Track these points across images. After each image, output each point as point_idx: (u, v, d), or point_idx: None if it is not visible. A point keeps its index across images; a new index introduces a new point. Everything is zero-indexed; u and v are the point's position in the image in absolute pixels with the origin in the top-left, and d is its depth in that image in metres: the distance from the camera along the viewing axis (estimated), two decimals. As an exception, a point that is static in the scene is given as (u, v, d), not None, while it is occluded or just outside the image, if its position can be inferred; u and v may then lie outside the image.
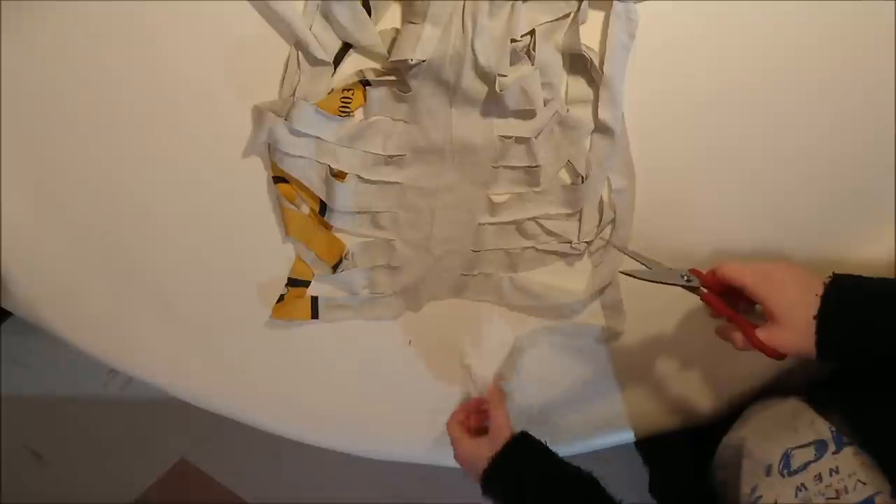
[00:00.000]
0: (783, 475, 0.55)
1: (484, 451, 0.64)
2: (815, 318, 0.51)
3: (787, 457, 0.56)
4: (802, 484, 0.53)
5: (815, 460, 0.54)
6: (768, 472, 0.57)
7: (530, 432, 0.65)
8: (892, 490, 0.47)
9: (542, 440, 0.65)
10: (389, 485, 1.46)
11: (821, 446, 0.54)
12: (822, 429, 0.55)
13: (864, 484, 0.49)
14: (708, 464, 0.68)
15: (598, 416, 0.76)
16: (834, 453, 0.53)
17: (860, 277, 0.54)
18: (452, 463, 0.79)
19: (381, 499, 1.47)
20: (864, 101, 0.65)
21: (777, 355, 0.54)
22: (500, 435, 0.64)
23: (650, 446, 0.77)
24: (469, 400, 0.73)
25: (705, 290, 0.59)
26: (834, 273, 0.54)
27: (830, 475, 0.52)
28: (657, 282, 0.60)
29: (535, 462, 0.63)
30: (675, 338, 0.74)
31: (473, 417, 0.71)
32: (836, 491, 0.50)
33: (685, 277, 0.60)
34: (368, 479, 1.45)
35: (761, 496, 0.55)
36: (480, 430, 0.69)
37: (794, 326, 0.53)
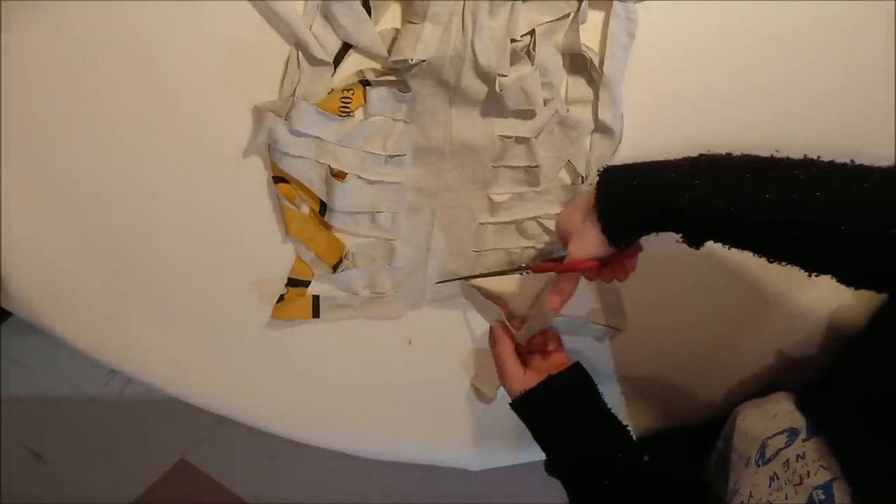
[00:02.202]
0: (758, 465, 0.56)
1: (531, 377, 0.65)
2: (594, 206, 0.54)
3: (763, 447, 0.57)
4: (775, 473, 0.54)
5: (786, 447, 0.55)
6: (747, 463, 0.58)
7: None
8: (846, 477, 0.48)
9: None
10: (389, 485, 1.47)
11: (792, 433, 0.55)
12: (798, 418, 0.56)
13: (825, 469, 0.50)
14: (706, 462, 0.68)
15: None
16: (804, 440, 0.54)
17: (628, 164, 0.56)
18: (452, 463, 0.79)
19: (381, 499, 1.47)
20: (864, 102, 0.65)
21: (586, 265, 0.57)
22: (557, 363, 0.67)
23: (649, 445, 0.77)
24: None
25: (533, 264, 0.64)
26: (605, 165, 0.56)
27: (797, 460, 0.52)
28: (488, 275, 0.67)
29: (577, 399, 0.65)
30: (674, 337, 0.74)
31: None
32: (800, 476, 0.51)
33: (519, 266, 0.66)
34: (368, 479, 1.45)
35: (739, 489, 0.56)
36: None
37: (583, 228, 0.55)
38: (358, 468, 1.43)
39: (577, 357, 0.70)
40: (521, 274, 0.66)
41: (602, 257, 0.56)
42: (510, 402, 0.66)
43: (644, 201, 0.52)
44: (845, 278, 0.49)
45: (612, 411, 0.65)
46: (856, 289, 0.50)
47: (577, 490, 0.63)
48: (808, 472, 0.51)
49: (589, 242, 0.55)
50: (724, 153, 0.52)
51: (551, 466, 0.65)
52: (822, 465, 0.50)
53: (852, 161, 0.48)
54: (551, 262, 0.63)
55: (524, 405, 0.65)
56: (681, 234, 0.53)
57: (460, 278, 0.69)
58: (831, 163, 0.49)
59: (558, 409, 0.64)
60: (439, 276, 0.71)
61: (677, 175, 0.51)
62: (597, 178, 0.55)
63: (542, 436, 0.65)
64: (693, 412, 0.75)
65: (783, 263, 0.51)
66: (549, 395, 0.64)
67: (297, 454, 1.45)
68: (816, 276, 0.50)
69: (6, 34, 0.58)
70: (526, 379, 0.65)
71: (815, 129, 0.67)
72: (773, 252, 0.51)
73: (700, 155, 0.53)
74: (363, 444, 0.78)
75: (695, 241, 0.53)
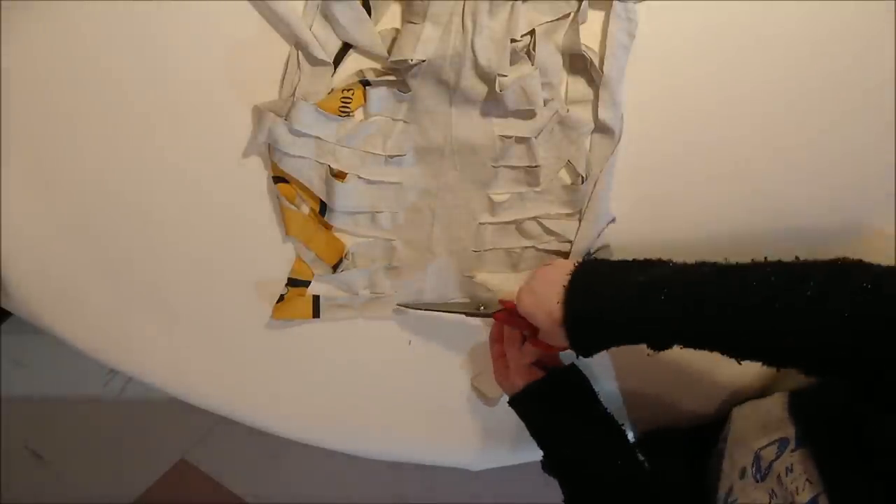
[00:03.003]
0: (756, 479, 0.56)
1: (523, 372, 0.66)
2: (560, 323, 0.55)
3: (757, 459, 0.57)
4: (773, 490, 0.54)
5: (777, 458, 0.55)
6: (742, 474, 0.58)
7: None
8: (827, 493, 0.48)
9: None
10: (389, 485, 1.47)
11: (783, 444, 0.55)
12: (788, 426, 0.56)
13: (811, 483, 0.50)
14: (706, 463, 0.68)
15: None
16: (792, 451, 0.53)
17: (601, 260, 0.58)
18: (452, 463, 0.79)
19: (381, 499, 1.47)
20: (864, 102, 0.65)
21: (557, 350, 0.60)
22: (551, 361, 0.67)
23: (649, 445, 0.77)
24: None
25: (496, 311, 0.66)
26: (579, 260, 0.58)
27: (787, 474, 0.53)
28: (446, 311, 0.69)
29: (569, 398, 0.65)
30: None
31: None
32: (791, 493, 0.51)
33: (481, 308, 0.68)
34: (368, 479, 1.45)
35: (736, 499, 0.56)
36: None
37: (554, 331, 0.56)
38: (358, 468, 1.43)
39: (574, 357, 0.70)
40: (481, 317, 0.69)
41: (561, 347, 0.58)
42: (508, 398, 0.66)
43: (610, 327, 0.54)
44: (811, 371, 0.49)
45: (609, 411, 0.65)
46: (822, 378, 0.51)
47: (573, 489, 0.63)
48: (797, 487, 0.51)
49: (562, 339, 0.56)
50: (692, 264, 0.53)
51: (548, 465, 0.65)
52: (808, 480, 0.50)
53: (797, 258, 0.49)
54: (516, 321, 0.63)
55: (523, 402, 0.65)
56: (647, 345, 0.54)
57: (422, 308, 0.71)
58: (780, 264, 0.50)
59: (556, 407, 0.64)
60: (439, 275, 0.71)
61: (642, 299, 0.52)
62: (564, 292, 0.55)
63: (539, 434, 0.65)
64: (693, 412, 0.75)
65: (752, 361, 0.51)
66: (547, 393, 0.64)
67: (297, 454, 1.45)
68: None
69: (6, 34, 0.58)
70: (524, 377, 0.65)
71: (815, 129, 0.67)
72: (738, 353, 0.51)
73: (666, 266, 0.54)
74: (363, 444, 0.78)
75: (658, 350, 0.54)
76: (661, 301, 0.51)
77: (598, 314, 0.54)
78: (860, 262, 0.47)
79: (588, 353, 0.57)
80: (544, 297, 0.57)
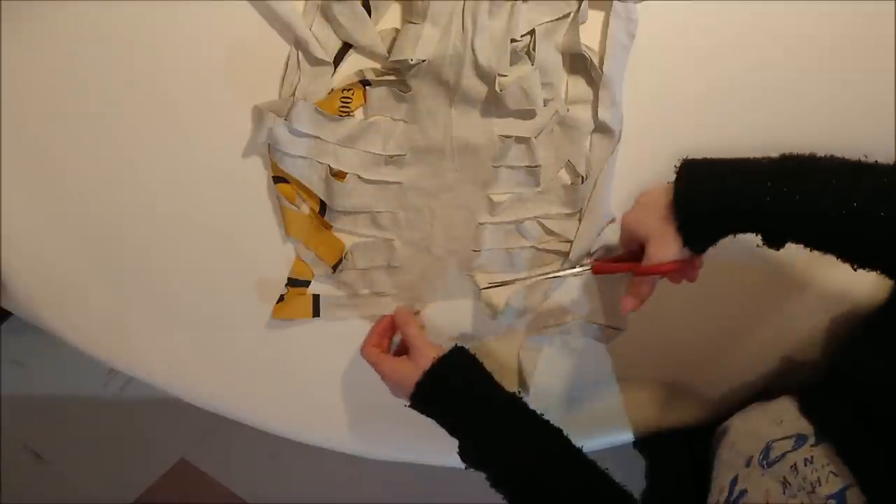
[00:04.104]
0: (762, 467, 0.55)
1: (408, 369, 0.63)
2: (669, 207, 0.53)
3: (767, 449, 0.56)
4: (785, 478, 0.53)
5: (793, 450, 0.54)
6: (748, 463, 0.57)
7: None
8: (860, 484, 0.48)
9: None
10: (389, 485, 1.47)
11: (800, 439, 0.55)
12: (804, 424, 0.56)
13: (836, 476, 0.49)
14: (706, 464, 0.68)
15: (597, 416, 0.76)
16: (812, 446, 0.53)
17: (708, 158, 0.54)
18: (452, 463, 0.79)
19: (381, 499, 1.47)
20: (864, 102, 0.65)
21: (666, 268, 0.55)
22: (422, 353, 0.63)
23: (649, 446, 0.77)
24: (378, 322, 0.71)
25: (594, 265, 0.62)
26: (683, 159, 0.54)
27: (805, 465, 0.52)
28: (541, 277, 0.65)
29: (466, 379, 0.63)
30: (674, 338, 0.74)
31: (385, 340, 0.70)
32: (811, 483, 0.50)
33: (575, 267, 0.65)
34: (368, 479, 1.45)
35: (745, 489, 0.55)
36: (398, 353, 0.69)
37: (662, 231, 0.54)
38: (358, 468, 1.43)
39: (577, 357, 0.70)
40: (579, 275, 0.65)
41: (684, 259, 0.55)
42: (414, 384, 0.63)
43: (724, 202, 0.51)
44: None
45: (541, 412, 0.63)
46: None
47: (494, 476, 0.61)
48: (819, 478, 0.50)
49: (671, 244, 0.54)
50: (808, 154, 0.51)
51: (463, 453, 0.63)
52: (832, 472, 0.50)
53: None
54: (617, 264, 0.61)
55: (425, 390, 0.63)
56: (760, 236, 0.52)
57: (508, 282, 0.68)
58: None
59: (456, 390, 0.62)
60: (440, 276, 0.71)
61: (759, 175, 0.50)
62: (675, 175, 0.53)
63: (455, 414, 0.63)
64: (693, 413, 0.75)
65: (867, 269, 0.50)
66: (445, 376, 0.62)
67: (297, 454, 1.44)
68: None
69: (6, 34, 0.58)
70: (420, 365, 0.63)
71: (815, 129, 0.67)
72: (858, 258, 0.50)
73: (782, 156, 0.52)
74: (363, 444, 0.78)
75: (774, 242, 0.52)
76: (779, 185, 0.49)
77: (715, 197, 0.51)
78: None
79: (701, 247, 0.54)
80: (651, 205, 0.55)
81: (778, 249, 0.52)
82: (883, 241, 0.47)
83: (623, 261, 0.61)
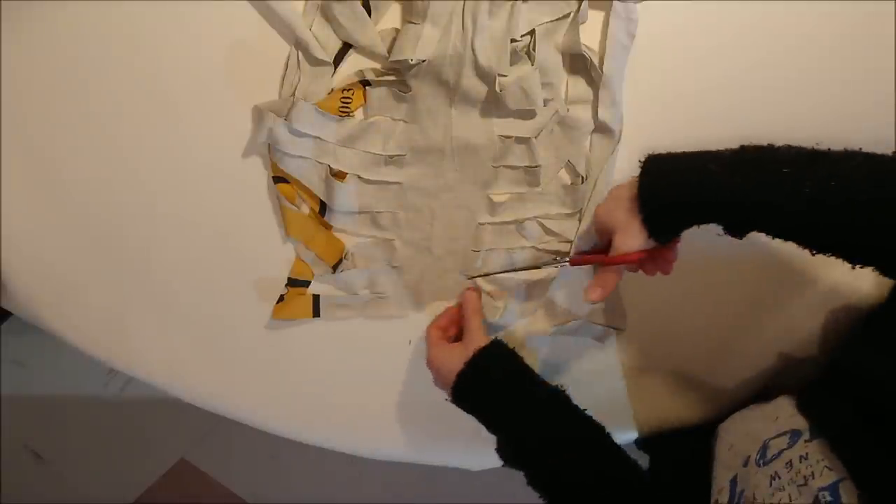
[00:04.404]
0: (759, 465, 0.55)
1: (456, 358, 0.63)
2: (634, 200, 0.54)
3: (764, 447, 0.56)
4: (776, 472, 0.54)
5: (788, 447, 0.54)
6: (746, 462, 0.57)
7: None
8: (853, 478, 0.48)
9: None
10: (389, 485, 1.47)
11: (795, 435, 0.55)
12: (800, 420, 0.56)
13: (831, 470, 0.50)
14: (708, 463, 0.68)
15: (599, 415, 0.76)
16: (807, 441, 0.53)
17: (672, 153, 0.56)
18: (452, 463, 0.79)
19: (381, 499, 1.47)
20: (864, 102, 0.65)
21: (631, 258, 0.56)
22: (472, 342, 0.63)
23: (652, 445, 0.77)
24: (452, 308, 0.71)
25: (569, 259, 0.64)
26: (649, 154, 0.56)
27: (800, 461, 0.52)
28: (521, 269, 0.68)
29: (506, 372, 0.63)
30: (675, 338, 0.74)
31: (454, 328, 0.70)
32: (804, 477, 0.51)
33: (556, 258, 0.66)
34: (368, 479, 1.45)
35: (743, 490, 0.56)
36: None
37: (628, 223, 0.55)
38: (358, 468, 1.43)
39: (577, 357, 0.70)
40: (556, 267, 0.65)
41: (649, 249, 0.56)
42: (455, 377, 0.63)
43: (686, 196, 0.52)
44: (887, 271, 0.49)
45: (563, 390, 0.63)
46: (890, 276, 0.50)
47: (534, 472, 0.61)
48: (813, 472, 0.50)
49: (636, 235, 0.55)
50: (766, 144, 0.52)
51: (507, 450, 0.63)
52: (826, 466, 0.50)
53: (894, 152, 0.49)
54: (591, 255, 0.63)
55: (466, 381, 0.63)
56: (723, 227, 0.53)
57: (491, 273, 0.69)
58: (871, 156, 0.49)
59: (505, 376, 0.63)
60: (440, 276, 0.71)
61: (719, 168, 0.51)
62: (639, 169, 0.55)
63: (493, 411, 0.63)
64: (694, 412, 0.75)
65: (827, 255, 0.51)
66: (495, 359, 0.63)
67: (297, 454, 1.44)
68: (861, 267, 0.51)
69: (6, 34, 0.58)
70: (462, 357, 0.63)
71: (815, 129, 0.66)
72: (816, 246, 0.51)
73: (741, 147, 0.53)
74: (363, 444, 0.78)
75: (737, 233, 0.53)
76: (737, 176, 0.50)
77: (672, 187, 0.53)
78: None
79: (666, 238, 0.55)
80: (619, 198, 0.56)
81: (741, 238, 0.53)
82: (837, 228, 0.48)
83: (599, 252, 0.62)
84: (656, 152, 0.56)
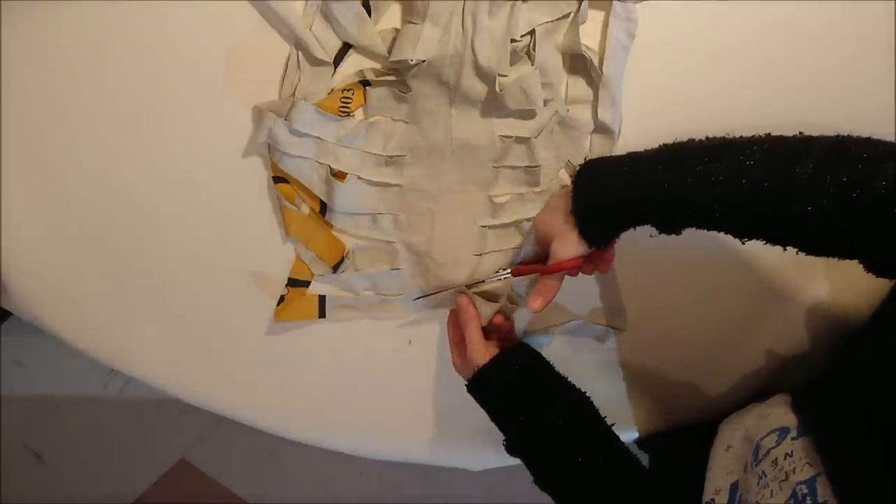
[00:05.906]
0: (752, 468, 0.56)
1: (462, 368, 0.66)
2: (568, 208, 0.56)
3: (757, 448, 0.57)
4: (763, 472, 0.54)
5: (776, 445, 0.55)
6: (745, 468, 0.58)
7: None
8: (828, 473, 0.49)
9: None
10: (389, 485, 1.47)
11: (783, 432, 0.56)
12: (791, 418, 0.56)
13: (811, 465, 0.50)
14: (707, 462, 0.68)
15: (598, 416, 0.76)
16: (793, 439, 0.54)
17: (602, 158, 0.59)
18: (452, 463, 0.79)
19: (381, 499, 1.47)
20: (865, 102, 0.65)
21: (568, 265, 0.58)
22: (472, 360, 0.65)
23: (652, 445, 0.77)
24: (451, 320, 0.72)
25: (512, 268, 0.66)
26: (585, 160, 0.59)
27: (785, 458, 0.53)
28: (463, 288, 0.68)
29: (517, 381, 0.64)
30: (675, 338, 0.74)
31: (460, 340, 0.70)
32: (786, 473, 0.51)
33: (499, 270, 0.67)
34: (368, 479, 1.45)
35: (741, 495, 0.56)
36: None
37: (563, 230, 0.57)
38: (358, 468, 1.43)
39: (577, 358, 0.70)
40: (501, 279, 0.67)
41: (585, 255, 0.58)
42: (471, 376, 0.65)
43: (613, 203, 0.54)
44: (810, 251, 0.50)
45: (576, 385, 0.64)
46: (820, 255, 0.51)
47: (540, 467, 0.62)
48: (795, 468, 0.51)
49: (572, 241, 0.57)
50: (685, 140, 0.54)
51: (513, 445, 0.64)
52: (808, 462, 0.51)
53: (800, 133, 0.50)
54: (531, 265, 0.64)
55: (485, 376, 0.64)
56: (655, 227, 0.55)
57: (435, 292, 0.70)
58: (778, 141, 0.50)
59: (521, 378, 0.64)
60: (441, 279, 0.71)
61: (640, 171, 0.53)
62: (571, 186, 0.57)
63: (505, 408, 0.64)
64: (694, 412, 0.75)
65: (751, 239, 0.52)
66: (511, 362, 0.64)
67: (297, 454, 1.45)
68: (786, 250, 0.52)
69: (6, 34, 0.58)
70: (483, 355, 0.64)
71: (815, 129, 0.66)
72: (738, 234, 0.52)
73: (661, 146, 0.54)
74: (363, 444, 0.78)
75: (669, 230, 0.54)
76: (656, 178, 0.52)
77: (600, 195, 0.55)
78: (868, 139, 0.47)
79: (602, 242, 0.57)
80: (556, 207, 0.59)
81: (679, 234, 0.54)
82: (752, 217, 0.49)
83: (539, 262, 0.64)
84: (592, 158, 0.58)
